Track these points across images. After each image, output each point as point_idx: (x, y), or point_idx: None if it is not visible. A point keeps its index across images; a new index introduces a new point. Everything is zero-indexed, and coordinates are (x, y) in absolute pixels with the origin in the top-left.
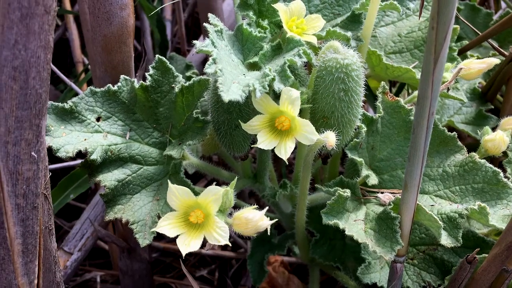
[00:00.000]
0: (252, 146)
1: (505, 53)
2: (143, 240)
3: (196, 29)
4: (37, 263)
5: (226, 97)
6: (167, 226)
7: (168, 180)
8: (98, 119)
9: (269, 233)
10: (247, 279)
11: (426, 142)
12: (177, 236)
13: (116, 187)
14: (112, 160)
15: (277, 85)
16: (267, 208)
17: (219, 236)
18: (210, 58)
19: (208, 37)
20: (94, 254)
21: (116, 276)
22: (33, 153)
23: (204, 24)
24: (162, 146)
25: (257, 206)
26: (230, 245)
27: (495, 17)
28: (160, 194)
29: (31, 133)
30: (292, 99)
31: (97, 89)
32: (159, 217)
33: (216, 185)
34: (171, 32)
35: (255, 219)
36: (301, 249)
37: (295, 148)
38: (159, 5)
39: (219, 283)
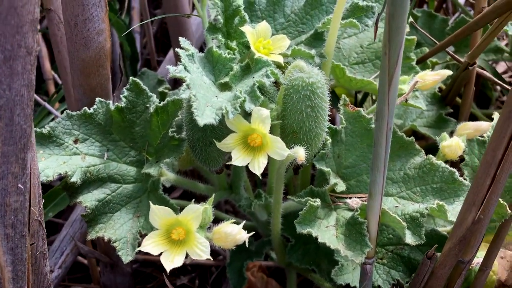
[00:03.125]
0: (227, 163)
1: (462, 60)
2: (126, 256)
3: (165, 40)
4: None
5: (201, 121)
6: (151, 245)
7: (150, 202)
8: (75, 142)
9: (247, 245)
10: (227, 286)
11: (386, 154)
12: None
13: (97, 207)
14: (91, 181)
15: (248, 105)
16: (244, 222)
17: (201, 251)
18: (184, 84)
19: (180, 62)
20: (73, 269)
21: None
22: (19, 185)
23: (176, 49)
24: (139, 164)
25: (234, 220)
26: (212, 259)
27: (450, 22)
28: (140, 211)
29: (17, 167)
30: (262, 118)
31: (73, 113)
32: (140, 234)
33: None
34: (140, 44)
35: (234, 233)
36: (278, 254)
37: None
38: (127, 18)
39: None
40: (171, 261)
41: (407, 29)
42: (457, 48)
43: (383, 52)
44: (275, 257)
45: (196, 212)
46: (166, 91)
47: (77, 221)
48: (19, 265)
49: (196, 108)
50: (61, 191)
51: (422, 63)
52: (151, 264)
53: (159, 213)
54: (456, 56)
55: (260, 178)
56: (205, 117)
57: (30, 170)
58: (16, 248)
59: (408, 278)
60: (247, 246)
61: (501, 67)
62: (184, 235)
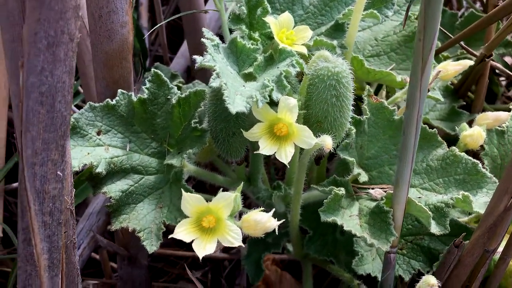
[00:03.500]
0: (255, 152)
1: (476, 53)
2: (151, 247)
3: (172, 37)
4: (60, 276)
5: (233, 109)
6: (183, 232)
7: (182, 190)
8: (98, 133)
9: (277, 233)
10: (242, 279)
11: (415, 142)
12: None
13: (121, 198)
14: (115, 172)
15: (275, 95)
16: (273, 210)
17: (233, 238)
18: (214, 73)
19: (206, 52)
20: (85, 264)
21: (108, 285)
22: (58, 172)
23: (202, 39)
24: (160, 155)
25: (263, 208)
26: (244, 246)
27: (458, 17)
28: (163, 202)
29: (57, 154)
30: (290, 107)
31: (96, 104)
32: (164, 224)
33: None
34: (148, 40)
35: (264, 221)
36: (294, 246)
37: None
38: (135, 14)
39: (213, 284)
40: (203, 248)
41: None
42: (466, 43)
43: (417, 38)
44: (291, 250)
45: (227, 200)
46: (180, 85)
47: (93, 214)
48: (55, 253)
49: (228, 96)
50: (79, 185)
51: (435, 56)
52: (162, 259)
53: (191, 201)
54: (470, 50)
55: (275, 166)
56: (236, 105)
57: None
58: (53, 235)
59: (429, 268)
60: (277, 233)
61: (507, 61)
62: (214, 223)
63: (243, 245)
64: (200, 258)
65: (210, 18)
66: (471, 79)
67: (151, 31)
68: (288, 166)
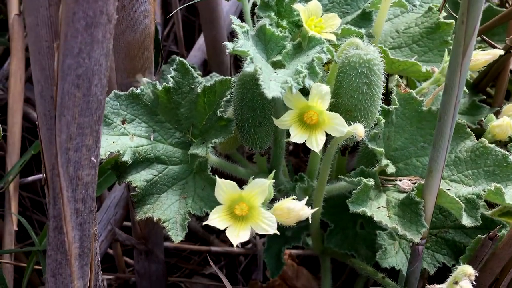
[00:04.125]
0: (286, 140)
1: (498, 47)
2: (176, 237)
3: (185, 33)
4: (89, 266)
5: (269, 94)
6: (217, 219)
7: (216, 176)
8: (123, 122)
9: (310, 222)
10: (258, 273)
11: (451, 128)
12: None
13: (145, 187)
14: (139, 161)
15: (308, 81)
16: (306, 198)
17: (267, 226)
18: (248, 58)
19: (237, 38)
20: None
21: (122, 280)
22: (92, 158)
23: (232, 25)
24: (184, 145)
25: (295, 197)
26: (279, 233)
27: None
28: (187, 193)
29: (91, 139)
30: (322, 94)
31: (121, 93)
32: (190, 214)
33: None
34: (162, 35)
35: (297, 209)
36: (314, 240)
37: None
38: None
39: (228, 279)
40: (237, 235)
41: (443, 13)
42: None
43: (460, 21)
44: (310, 244)
45: (262, 187)
46: (198, 77)
47: (111, 207)
48: (86, 242)
49: (263, 81)
50: (100, 176)
51: None
52: (176, 254)
53: (225, 188)
54: (493, 43)
55: (291, 160)
56: (272, 90)
57: None
58: (85, 223)
59: (454, 261)
60: (310, 222)
61: None
62: (247, 210)
63: (278, 232)
64: (235, 245)
65: (227, 12)
66: (494, 72)
67: (173, 28)
68: (320, 155)
